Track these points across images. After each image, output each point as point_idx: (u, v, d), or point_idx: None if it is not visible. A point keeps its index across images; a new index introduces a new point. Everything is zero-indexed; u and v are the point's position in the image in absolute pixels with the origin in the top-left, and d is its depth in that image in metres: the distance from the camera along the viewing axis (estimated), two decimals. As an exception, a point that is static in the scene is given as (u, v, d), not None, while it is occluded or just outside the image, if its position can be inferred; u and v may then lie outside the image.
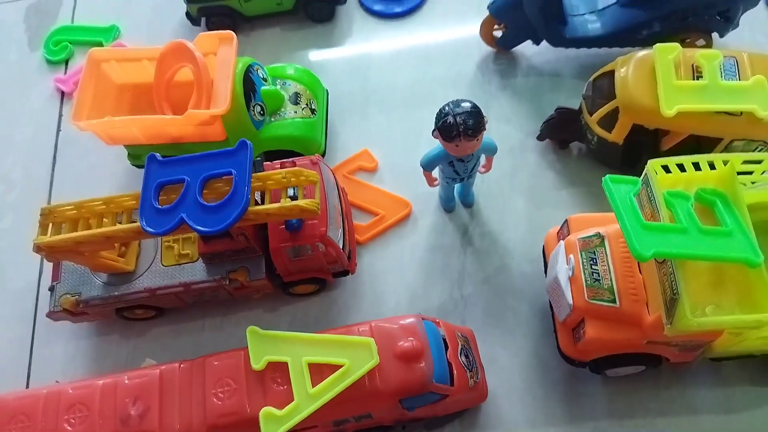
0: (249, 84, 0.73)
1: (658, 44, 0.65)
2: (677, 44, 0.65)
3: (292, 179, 0.59)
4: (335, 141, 0.84)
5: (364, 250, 0.77)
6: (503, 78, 0.86)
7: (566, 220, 0.65)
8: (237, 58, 0.72)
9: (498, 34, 0.85)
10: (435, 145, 0.66)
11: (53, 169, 0.87)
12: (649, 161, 0.52)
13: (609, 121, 0.69)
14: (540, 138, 0.79)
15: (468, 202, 0.78)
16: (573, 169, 0.79)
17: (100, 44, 0.95)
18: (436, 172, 0.71)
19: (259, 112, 0.74)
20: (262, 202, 0.60)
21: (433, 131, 0.63)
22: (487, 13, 0.82)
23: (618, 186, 0.52)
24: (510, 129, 0.82)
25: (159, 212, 0.57)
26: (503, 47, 0.86)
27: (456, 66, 0.88)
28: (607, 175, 0.53)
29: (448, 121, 0.61)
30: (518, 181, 0.79)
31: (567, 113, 0.75)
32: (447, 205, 0.78)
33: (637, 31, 0.78)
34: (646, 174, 0.52)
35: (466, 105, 0.61)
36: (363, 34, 0.92)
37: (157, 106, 0.75)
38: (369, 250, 0.77)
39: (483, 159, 0.70)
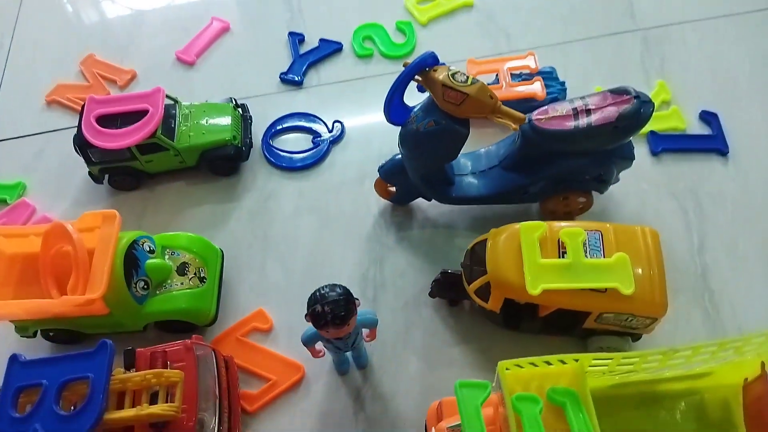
0: (131, 261, 0.73)
1: (523, 223, 0.68)
2: (542, 222, 0.68)
3: (152, 380, 0.58)
4: (231, 300, 0.83)
5: (253, 421, 0.75)
6: (400, 230, 0.88)
7: (440, 402, 0.65)
8: (122, 233, 0.73)
9: (393, 188, 0.88)
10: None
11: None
12: (499, 362, 0.53)
13: (485, 292, 0.70)
14: (431, 295, 0.80)
15: (361, 363, 0.77)
16: (465, 325, 0.80)
17: (4, 201, 0.95)
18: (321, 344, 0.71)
19: (143, 287, 0.74)
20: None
21: (306, 315, 0.63)
22: (378, 173, 0.85)
23: (468, 391, 0.53)
24: (405, 283, 0.84)
25: (14, 422, 0.56)
26: (397, 203, 0.89)
27: (355, 220, 0.90)
28: (457, 381, 0.53)
29: (317, 310, 0.61)
30: (412, 338, 0.80)
31: (451, 276, 0.76)
32: (340, 369, 0.77)
33: (518, 192, 0.81)
34: (497, 375, 0.53)
35: (335, 294, 0.62)
36: (266, 186, 0.94)
37: (42, 282, 0.74)
38: (259, 420, 0.75)
39: (365, 330, 0.71)
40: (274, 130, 0.99)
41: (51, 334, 0.79)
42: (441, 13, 1.12)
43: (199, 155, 0.91)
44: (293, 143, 0.98)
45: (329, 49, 1.08)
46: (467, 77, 0.71)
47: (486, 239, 0.72)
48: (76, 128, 0.88)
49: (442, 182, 0.82)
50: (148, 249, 0.76)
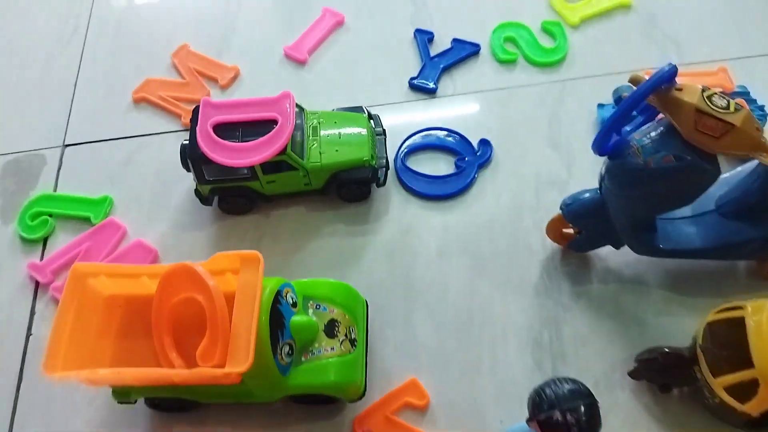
0: (276, 318, 0.57)
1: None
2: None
3: None
4: (375, 363, 0.68)
5: None
6: (575, 284, 0.72)
7: None
8: (264, 281, 0.57)
9: (570, 230, 0.72)
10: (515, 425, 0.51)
11: (18, 391, 0.69)
12: None
13: (743, 391, 0.54)
14: (634, 376, 0.64)
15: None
16: (678, 417, 0.63)
17: (88, 219, 0.80)
18: None
19: (288, 353, 0.58)
20: None
21: (529, 420, 0.48)
22: (557, 211, 0.69)
23: None
24: (590, 355, 0.67)
25: None
26: (575, 251, 0.73)
27: (516, 266, 0.73)
28: None
29: (556, 419, 0.45)
30: (609, 429, 0.63)
31: (674, 358, 0.60)
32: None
33: (743, 247, 0.65)
34: None
35: (580, 396, 0.46)
36: (404, 217, 0.78)
37: (156, 339, 0.59)
38: None
39: None
40: (408, 149, 0.83)
41: (157, 402, 0.64)
42: (594, 13, 0.95)
43: (329, 177, 0.75)
44: (431, 165, 0.82)
45: (465, 52, 0.92)
46: (727, 101, 0.54)
47: (735, 318, 0.55)
48: (184, 136, 0.74)
49: (648, 229, 0.65)
50: (291, 301, 0.60)
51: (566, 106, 0.86)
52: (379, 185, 0.77)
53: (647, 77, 0.55)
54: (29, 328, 0.73)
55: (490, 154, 0.81)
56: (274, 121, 0.71)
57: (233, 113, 0.72)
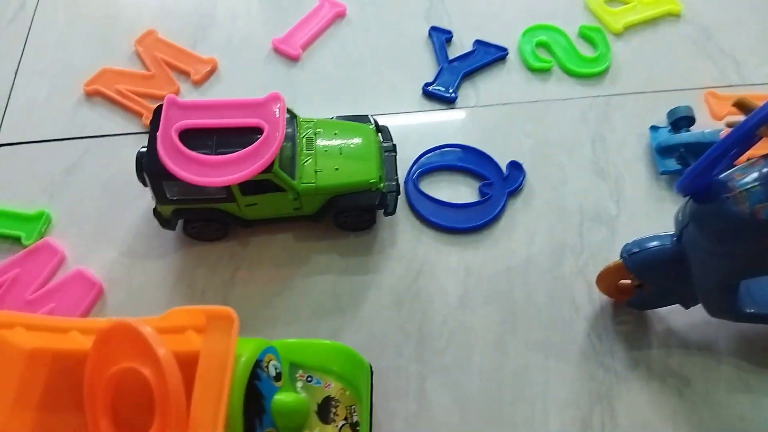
0: (254, 397, 0.41)
1: None
2: None
3: None
4: (377, 445, 0.52)
5: None
6: (631, 348, 0.57)
7: None
8: (238, 344, 0.41)
9: (627, 281, 0.57)
10: None
11: None
12: None
13: None
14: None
15: None
16: None
17: (18, 239, 0.63)
18: None
19: (268, 445, 0.42)
20: None
21: None
22: (604, 254, 0.55)
23: None
24: (653, 441, 0.53)
25: None
26: (635, 309, 0.58)
27: (557, 322, 0.59)
28: None
29: None
30: None
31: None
32: None
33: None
34: None
35: None
36: (416, 253, 0.63)
37: (90, 417, 0.43)
38: None
39: None
40: (422, 169, 0.68)
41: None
42: (639, 20, 0.81)
43: (326, 201, 0.60)
44: (449, 189, 0.67)
45: (490, 57, 0.77)
46: None
47: None
48: (143, 141, 0.57)
49: (735, 290, 0.51)
50: (274, 373, 0.44)
51: (612, 125, 0.72)
52: (387, 213, 0.62)
53: (758, 103, 0.42)
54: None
55: (522, 180, 0.67)
56: (259, 130, 0.55)
57: (206, 117, 0.56)
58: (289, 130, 0.59)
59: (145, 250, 0.63)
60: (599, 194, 0.66)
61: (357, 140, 0.61)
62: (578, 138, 0.71)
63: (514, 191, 0.66)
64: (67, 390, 0.46)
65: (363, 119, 0.65)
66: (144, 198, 0.64)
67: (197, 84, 0.75)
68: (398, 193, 0.62)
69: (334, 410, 0.45)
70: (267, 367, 0.43)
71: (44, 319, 0.46)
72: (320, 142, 0.60)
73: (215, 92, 0.75)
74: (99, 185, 0.67)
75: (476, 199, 0.66)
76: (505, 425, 0.54)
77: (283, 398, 0.43)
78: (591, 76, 0.76)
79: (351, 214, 0.61)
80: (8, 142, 0.71)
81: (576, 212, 0.65)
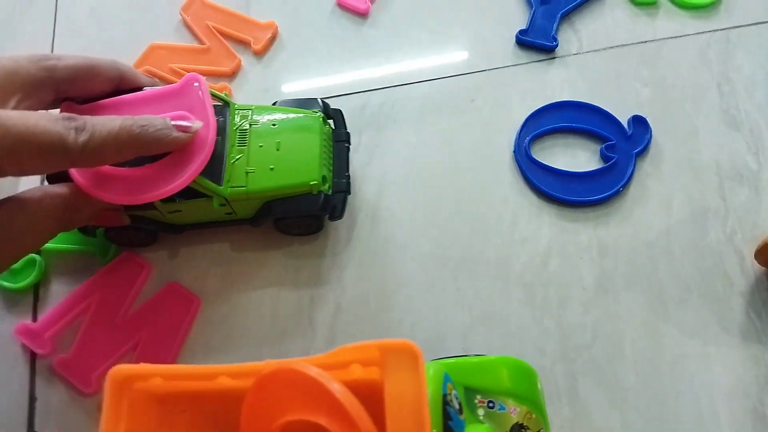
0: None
1: None
2: None
3: None
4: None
5: None
6: (798, 325, 0.52)
7: None
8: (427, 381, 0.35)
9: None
10: None
11: None
12: None
13: None
14: None
15: None
16: None
17: (93, 255, 0.56)
18: None
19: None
20: None
21: None
22: (752, 216, 0.48)
23: None
24: (836, 431, 0.48)
25: None
26: (805, 281, 0.52)
27: (710, 301, 0.53)
28: None
29: None
30: None
31: None
32: None
33: None
34: None
35: None
36: (539, 233, 0.56)
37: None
38: None
39: None
40: (531, 134, 0.60)
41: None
42: (750, -67, 0.70)
43: (262, 206, 0.52)
44: (565, 156, 0.60)
45: (586, -7, 0.67)
46: None
47: None
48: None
49: None
50: (457, 405, 0.38)
51: (736, 64, 0.63)
52: (333, 218, 0.54)
53: None
54: (30, 423, 0.51)
55: (649, 138, 0.59)
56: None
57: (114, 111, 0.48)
58: (220, 119, 0.50)
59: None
60: (735, 147, 0.59)
61: (298, 132, 0.52)
62: (701, 82, 0.62)
63: (642, 152, 0.59)
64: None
65: (311, 104, 0.55)
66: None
67: (259, 54, 0.66)
68: (348, 192, 0.54)
69: (522, 438, 0.40)
70: (450, 398, 0.38)
71: (188, 368, 0.40)
72: (255, 136, 0.51)
73: (279, 62, 0.66)
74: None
75: (599, 165, 0.58)
76: (670, 423, 0.49)
77: (475, 429, 0.38)
78: (703, 6, 0.66)
79: (292, 219, 0.53)
80: (60, 140, 0.63)
81: (713, 170, 0.58)
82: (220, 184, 0.48)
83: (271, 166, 0.50)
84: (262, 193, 0.50)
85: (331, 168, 0.53)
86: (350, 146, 0.56)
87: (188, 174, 0.45)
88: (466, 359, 0.43)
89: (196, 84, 0.49)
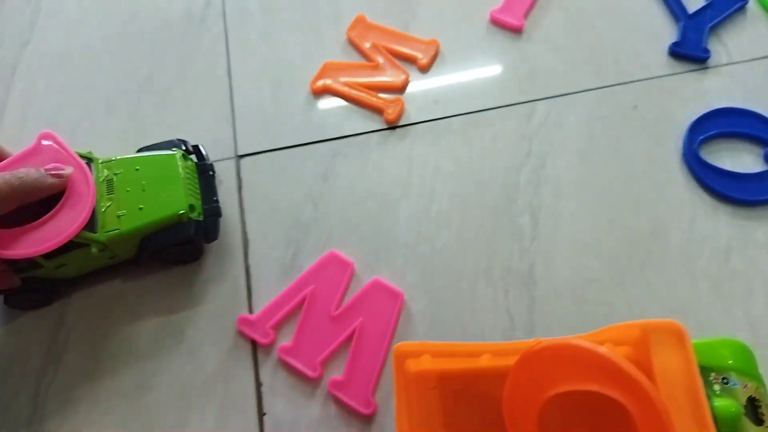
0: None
1: None
2: None
3: None
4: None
5: None
6: None
7: None
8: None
9: None
10: None
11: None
12: None
13: None
14: None
15: None
16: None
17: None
18: None
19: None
20: None
21: None
22: None
23: None
24: None
25: None
26: None
27: None
28: None
29: None
30: None
31: None
32: None
33: None
34: None
35: None
36: (718, 230, 0.60)
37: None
38: None
39: None
40: (701, 138, 0.64)
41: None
42: None
43: (140, 243, 0.56)
44: (731, 159, 0.63)
45: (730, 7, 0.72)
46: None
47: None
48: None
49: None
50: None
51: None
52: (208, 240, 0.59)
53: None
54: (260, 405, 0.55)
55: (812, 140, 0.63)
56: None
57: None
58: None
59: None
60: None
61: (161, 170, 0.57)
62: None
63: (805, 154, 0.62)
64: (464, 412, 0.45)
65: (169, 145, 0.61)
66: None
67: (423, 69, 0.72)
68: (219, 215, 0.59)
69: (759, 410, 0.44)
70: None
71: (455, 345, 0.44)
72: (121, 183, 0.56)
73: (444, 76, 0.71)
74: (359, 189, 0.64)
75: (763, 167, 0.62)
76: None
77: (724, 404, 0.41)
78: None
79: (169, 249, 0.57)
80: (249, 152, 0.68)
81: None
82: (95, 232, 0.53)
83: (141, 206, 0.55)
84: (137, 231, 0.54)
85: (199, 196, 0.58)
86: (215, 174, 0.61)
87: (82, 217, 0.50)
88: (699, 340, 0.47)
89: (46, 142, 0.53)
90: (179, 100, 0.71)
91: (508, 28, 0.73)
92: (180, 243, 0.56)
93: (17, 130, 0.70)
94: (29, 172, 0.49)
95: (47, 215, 0.50)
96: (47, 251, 0.50)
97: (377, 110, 0.69)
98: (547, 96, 0.68)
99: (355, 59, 0.73)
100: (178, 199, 0.55)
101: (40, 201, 0.50)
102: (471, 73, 0.71)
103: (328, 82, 0.71)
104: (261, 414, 0.54)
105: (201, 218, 0.57)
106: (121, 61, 0.74)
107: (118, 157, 0.58)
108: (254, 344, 0.57)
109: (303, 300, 0.58)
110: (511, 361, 0.43)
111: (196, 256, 0.60)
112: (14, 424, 0.54)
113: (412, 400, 0.44)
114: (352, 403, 0.53)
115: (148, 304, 0.59)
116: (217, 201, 0.59)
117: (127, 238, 0.54)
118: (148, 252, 0.56)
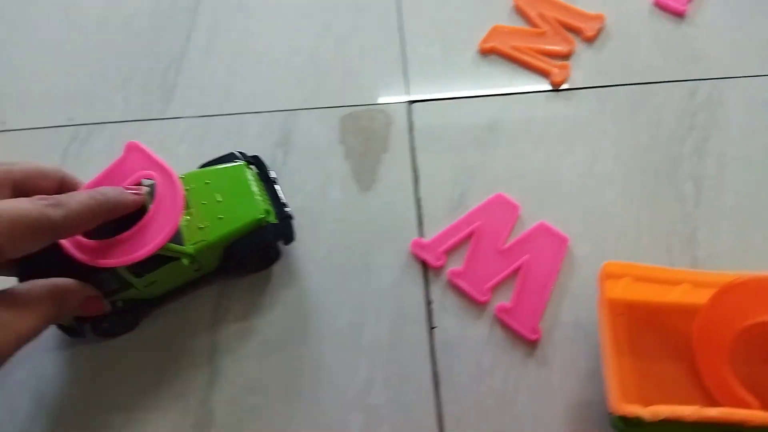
0: None
1: None
2: None
3: None
4: None
5: None
6: None
7: None
8: None
9: None
10: None
11: (438, 396, 0.56)
12: None
13: None
14: None
15: None
16: None
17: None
18: None
19: None
20: None
21: None
22: None
23: None
24: None
25: None
26: None
27: None
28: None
29: None
30: None
31: None
32: None
33: None
34: None
35: None
36: None
37: (707, 375, 0.44)
38: None
39: None
40: None
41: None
42: None
43: (222, 253, 0.57)
44: None
45: None
46: None
47: None
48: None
49: None
50: None
51: None
52: (287, 242, 0.60)
53: None
54: (429, 320, 0.59)
55: None
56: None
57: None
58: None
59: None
60: None
61: (231, 181, 0.58)
62: None
63: None
64: (649, 338, 0.48)
65: (230, 159, 0.62)
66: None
67: (589, 41, 0.75)
68: (292, 217, 0.60)
69: None
70: None
71: (658, 270, 0.47)
72: (195, 197, 0.57)
73: (609, 49, 0.74)
74: (524, 142, 0.68)
75: None
76: None
77: None
78: None
79: (252, 255, 0.58)
80: (420, 99, 0.73)
81: None
82: (183, 245, 0.54)
83: (220, 216, 0.56)
84: (222, 239, 0.55)
85: (270, 202, 0.59)
86: (276, 180, 0.62)
87: (158, 241, 0.50)
88: None
89: (135, 152, 0.54)
90: (354, 48, 0.77)
91: (671, 11, 0.76)
92: (262, 248, 0.59)
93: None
94: (108, 191, 0.50)
95: (135, 227, 0.51)
96: (140, 259, 0.50)
97: (544, 73, 0.72)
98: (710, 77, 0.71)
99: (521, 25, 0.77)
100: (254, 206, 0.57)
101: (118, 218, 0.51)
102: (635, 49, 0.74)
103: (496, 44, 0.75)
104: (431, 327, 0.58)
105: (277, 221, 0.59)
106: (302, 5, 0.80)
107: (185, 174, 0.59)
108: (425, 266, 0.61)
109: (471, 233, 0.62)
110: (702, 296, 0.46)
111: (274, 259, 0.62)
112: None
113: (607, 319, 0.47)
114: (520, 328, 0.57)
115: (329, 224, 0.64)
116: (286, 205, 0.61)
117: (213, 249, 0.56)
118: (234, 260, 0.58)
